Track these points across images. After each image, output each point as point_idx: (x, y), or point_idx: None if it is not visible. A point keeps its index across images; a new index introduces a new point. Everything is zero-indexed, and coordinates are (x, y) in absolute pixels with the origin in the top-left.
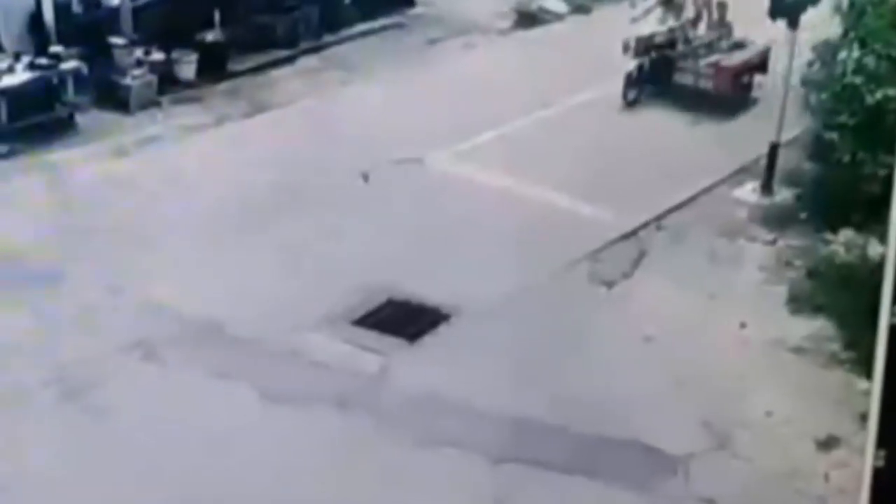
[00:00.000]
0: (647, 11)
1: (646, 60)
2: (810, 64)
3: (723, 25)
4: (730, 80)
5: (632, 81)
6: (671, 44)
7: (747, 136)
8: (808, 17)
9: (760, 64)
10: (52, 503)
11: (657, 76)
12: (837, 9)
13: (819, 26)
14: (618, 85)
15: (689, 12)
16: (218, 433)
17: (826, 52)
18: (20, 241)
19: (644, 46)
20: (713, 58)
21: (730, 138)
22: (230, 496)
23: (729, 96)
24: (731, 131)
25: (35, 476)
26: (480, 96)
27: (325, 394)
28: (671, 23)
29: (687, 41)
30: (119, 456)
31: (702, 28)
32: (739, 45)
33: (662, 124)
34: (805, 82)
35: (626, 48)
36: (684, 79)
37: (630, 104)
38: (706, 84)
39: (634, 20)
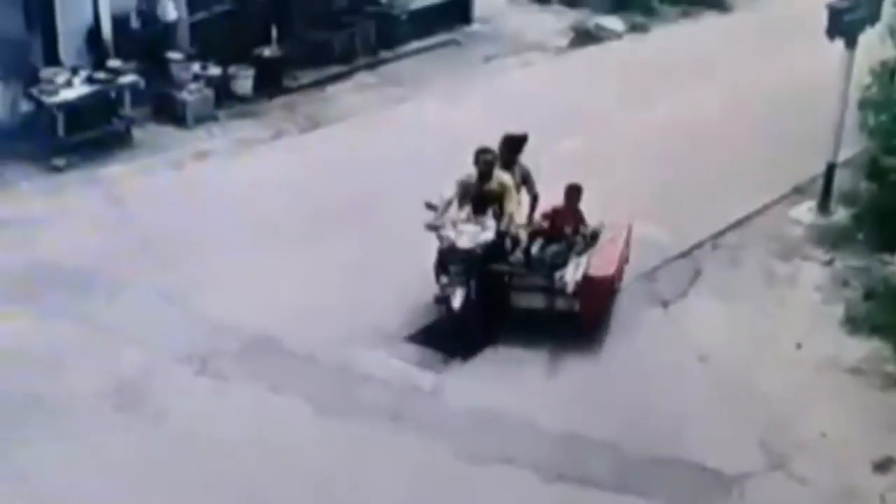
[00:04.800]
0: (447, 207)
1: (471, 285)
2: (867, 87)
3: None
4: (604, 292)
5: (452, 318)
6: (498, 254)
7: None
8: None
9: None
10: None
11: (488, 303)
12: (893, 32)
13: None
14: (671, 112)
15: (512, 205)
16: (272, 447)
17: (884, 73)
18: (78, 254)
19: (466, 266)
20: (572, 265)
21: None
22: None
23: (598, 313)
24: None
25: (89, 487)
26: (535, 114)
27: (378, 409)
28: (489, 224)
29: (518, 244)
30: (173, 468)
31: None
32: (595, 236)
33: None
34: (863, 104)
35: (439, 273)
36: (530, 300)
37: (453, 352)
38: (568, 304)
39: (435, 228)
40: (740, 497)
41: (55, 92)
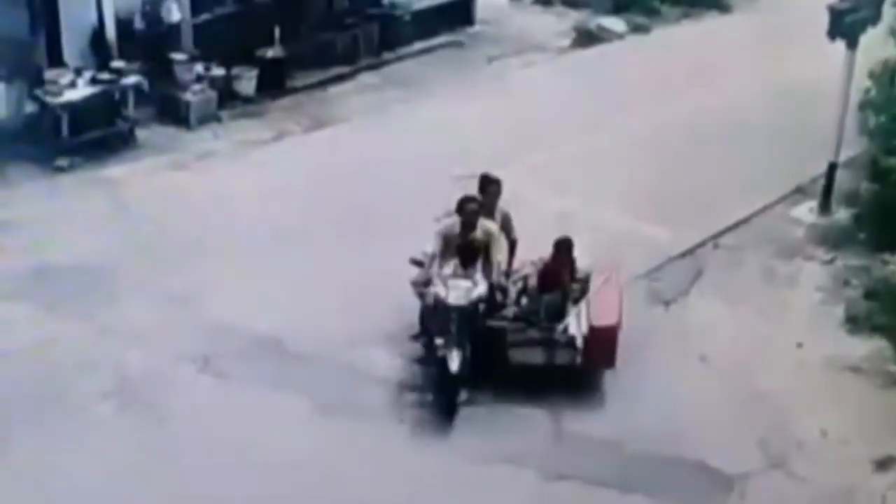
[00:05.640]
0: (433, 262)
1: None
2: (867, 91)
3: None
4: (612, 341)
5: (449, 382)
6: (491, 308)
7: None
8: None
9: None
10: None
11: (485, 359)
12: (893, 32)
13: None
14: (672, 113)
15: (500, 254)
16: (274, 446)
17: (884, 74)
18: (81, 254)
19: (460, 324)
20: (572, 316)
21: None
22: None
23: (604, 363)
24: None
25: (91, 485)
26: (538, 115)
27: (382, 408)
28: (479, 278)
29: (506, 295)
30: (175, 467)
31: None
32: (586, 281)
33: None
34: (863, 105)
35: (430, 332)
36: (527, 356)
37: (450, 413)
38: (569, 357)
39: (422, 285)
40: (741, 496)
41: (59, 93)
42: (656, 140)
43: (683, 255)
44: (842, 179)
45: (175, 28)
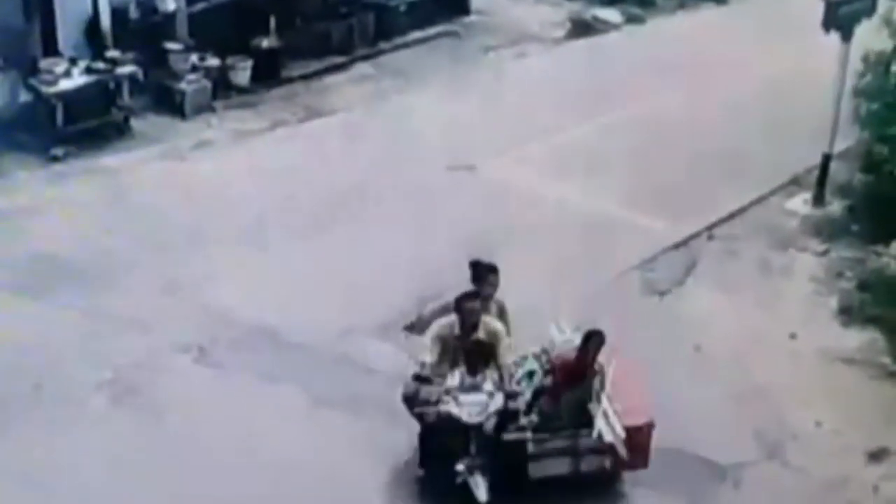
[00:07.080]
0: (436, 372)
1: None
2: (862, 75)
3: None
4: (648, 440)
5: None
6: (506, 418)
7: None
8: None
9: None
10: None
11: (500, 476)
12: (888, 22)
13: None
14: (667, 104)
15: (508, 356)
16: (269, 438)
17: (879, 63)
18: (76, 244)
19: (480, 445)
20: (600, 417)
21: None
22: (281, 498)
23: (633, 466)
24: None
25: (86, 477)
26: (534, 105)
27: (376, 399)
28: (488, 387)
29: (539, 411)
30: (170, 458)
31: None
32: (602, 371)
33: None
34: (857, 93)
35: (436, 455)
36: (552, 467)
37: None
38: (597, 463)
39: (413, 402)
40: (736, 486)
41: (54, 82)
42: (651, 130)
43: (678, 245)
44: (836, 170)
45: (170, 18)
